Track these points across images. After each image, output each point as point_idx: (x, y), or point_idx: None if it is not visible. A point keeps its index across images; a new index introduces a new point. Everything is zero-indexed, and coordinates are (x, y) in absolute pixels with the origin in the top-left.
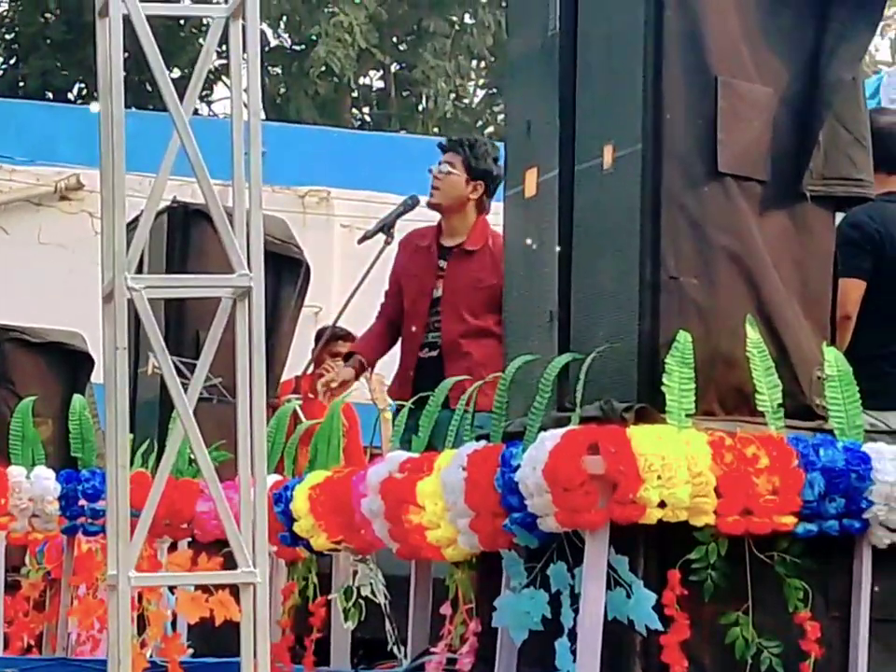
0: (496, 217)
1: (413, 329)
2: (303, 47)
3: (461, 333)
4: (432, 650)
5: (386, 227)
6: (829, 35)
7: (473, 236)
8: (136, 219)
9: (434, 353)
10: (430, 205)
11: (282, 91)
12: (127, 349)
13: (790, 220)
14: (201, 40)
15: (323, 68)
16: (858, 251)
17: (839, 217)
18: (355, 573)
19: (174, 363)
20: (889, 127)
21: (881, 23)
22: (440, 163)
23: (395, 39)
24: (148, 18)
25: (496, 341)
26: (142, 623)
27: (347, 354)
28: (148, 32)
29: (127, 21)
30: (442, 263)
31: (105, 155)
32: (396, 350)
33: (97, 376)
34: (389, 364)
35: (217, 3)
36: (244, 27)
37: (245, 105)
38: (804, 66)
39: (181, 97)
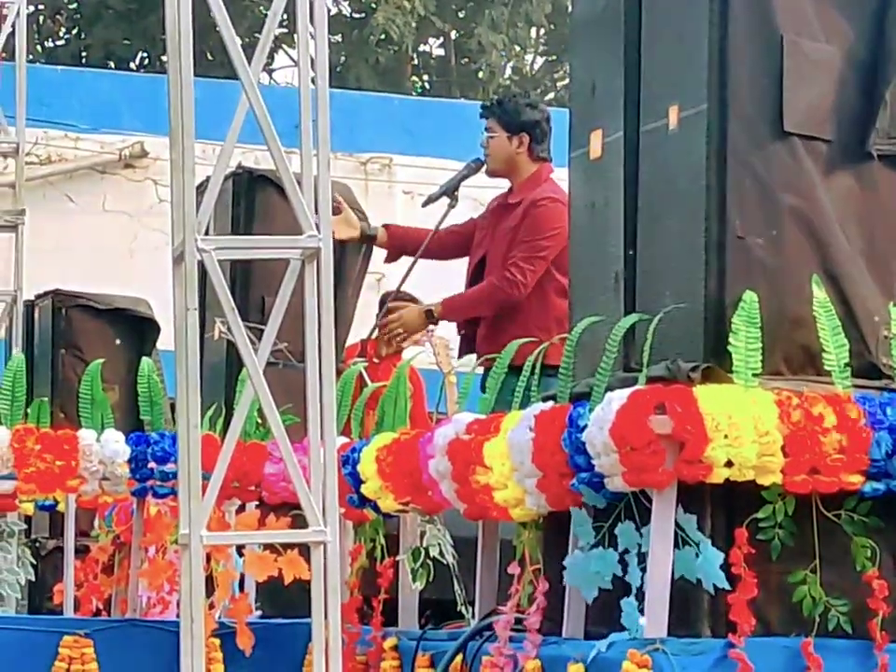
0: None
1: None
2: (363, 15)
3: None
4: (500, 609)
5: (450, 190)
6: None
7: (520, 189)
8: (202, 184)
9: None
10: (489, 174)
11: (342, 59)
12: (197, 311)
13: (855, 180)
14: (261, 8)
15: (382, 36)
16: None
17: None
18: (422, 534)
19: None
20: None
21: None
22: (483, 132)
23: (454, 6)
24: None
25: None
26: (210, 586)
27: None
28: None
29: None
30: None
31: (175, 118)
32: None
33: (163, 342)
34: (454, 328)
35: None
36: None
37: (313, 81)
38: (869, 25)
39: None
